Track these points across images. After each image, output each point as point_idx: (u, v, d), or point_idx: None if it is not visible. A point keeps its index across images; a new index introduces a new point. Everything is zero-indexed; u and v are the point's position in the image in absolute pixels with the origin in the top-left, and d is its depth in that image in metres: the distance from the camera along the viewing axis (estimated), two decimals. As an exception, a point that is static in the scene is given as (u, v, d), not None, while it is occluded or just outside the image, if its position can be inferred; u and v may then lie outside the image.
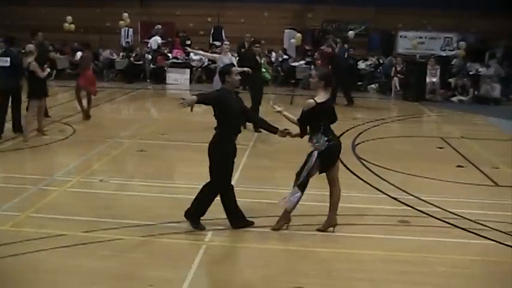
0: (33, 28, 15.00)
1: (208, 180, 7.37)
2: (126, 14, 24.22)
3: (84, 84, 14.99)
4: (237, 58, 17.89)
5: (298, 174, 7.38)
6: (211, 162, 7.31)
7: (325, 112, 7.35)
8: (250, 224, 7.54)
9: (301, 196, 7.34)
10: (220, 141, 7.28)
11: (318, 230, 7.47)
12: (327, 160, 7.29)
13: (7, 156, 11.21)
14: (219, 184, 7.33)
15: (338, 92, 18.79)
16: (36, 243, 6.73)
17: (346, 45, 21.59)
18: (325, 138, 7.24)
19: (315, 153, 7.23)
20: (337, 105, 18.66)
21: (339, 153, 7.48)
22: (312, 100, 7.25)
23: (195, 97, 7.19)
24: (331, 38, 20.13)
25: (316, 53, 23.83)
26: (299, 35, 24.14)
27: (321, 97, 7.31)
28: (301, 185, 7.29)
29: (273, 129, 7.78)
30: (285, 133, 7.64)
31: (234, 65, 8.20)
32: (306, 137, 7.49)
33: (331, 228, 7.46)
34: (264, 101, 14.61)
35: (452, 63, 23.32)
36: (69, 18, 22.97)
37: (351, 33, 24.05)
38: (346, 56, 21.07)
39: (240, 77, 7.76)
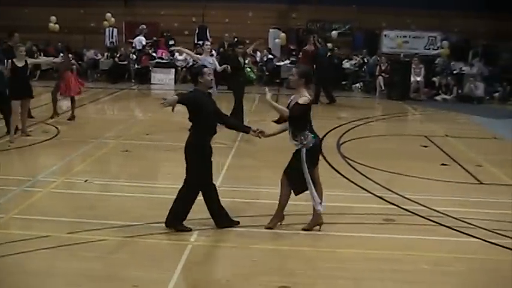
0: (11, 29, 14.88)
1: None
2: (109, 14, 24.08)
3: (64, 91, 14.92)
4: (218, 58, 17.91)
5: (288, 173, 7.40)
6: (188, 163, 7.32)
7: (310, 110, 7.37)
8: (235, 223, 7.53)
9: (316, 189, 7.36)
10: (195, 142, 7.28)
11: (304, 229, 7.47)
12: (313, 157, 7.32)
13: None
14: (196, 184, 7.31)
15: (321, 91, 18.99)
16: (20, 244, 6.68)
17: (328, 45, 21.68)
18: (312, 136, 7.26)
19: (304, 150, 7.22)
20: (322, 104, 18.81)
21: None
22: (307, 97, 7.26)
23: (176, 97, 7.19)
24: (314, 37, 20.18)
25: (300, 53, 23.91)
26: (283, 34, 24.18)
27: (308, 95, 7.32)
28: (311, 184, 7.30)
29: (245, 130, 7.84)
30: (258, 133, 7.66)
31: (205, 66, 8.17)
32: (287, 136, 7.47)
33: (317, 227, 7.47)
34: (247, 101, 14.63)
35: (436, 62, 23.46)
36: (53, 18, 22.84)
37: (334, 33, 24.12)
38: (328, 55, 21.15)
39: (212, 78, 7.75)
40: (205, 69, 7.59)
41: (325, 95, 19.18)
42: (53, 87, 15.51)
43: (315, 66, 18.58)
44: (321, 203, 7.34)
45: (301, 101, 7.25)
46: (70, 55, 15.90)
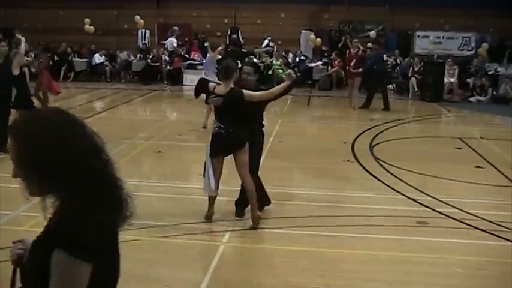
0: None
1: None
2: (137, 17, 24.12)
3: (46, 87, 15.04)
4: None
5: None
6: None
7: None
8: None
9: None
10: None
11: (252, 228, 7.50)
12: (213, 146, 7.48)
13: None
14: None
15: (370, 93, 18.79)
16: (55, 243, 6.76)
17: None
18: (218, 125, 7.43)
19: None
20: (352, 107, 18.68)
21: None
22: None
23: None
24: (357, 40, 20.01)
25: (333, 54, 23.78)
26: (312, 36, 23.99)
27: (221, 88, 7.45)
28: None
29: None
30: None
31: (245, 64, 8.41)
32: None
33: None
34: (278, 102, 14.58)
35: (472, 63, 23.04)
36: (87, 20, 23.08)
37: (372, 33, 23.92)
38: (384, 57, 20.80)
39: (251, 77, 7.92)
40: (245, 67, 7.84)
41: (367, 97, 18.90)
42: (91, 89, 15.71)
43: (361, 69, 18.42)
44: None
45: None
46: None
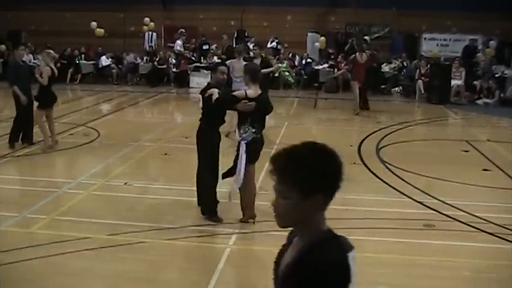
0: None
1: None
2: (147, 19, 24.15)
3: None
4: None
5: (233, 168, 7.53)
6: (198, 149, 7.74)
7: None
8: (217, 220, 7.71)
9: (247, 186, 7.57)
10: (204, 130, 7.72)
11: (241, 221, 7.63)
12: (252, 152, 7.39)
13: (33, 160, 11.31)
14: (207, 172, 7.63)
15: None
16: (61, 245, 6.78)
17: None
18: (253, 130, 7.32)
19: (243, 143, 7.34)
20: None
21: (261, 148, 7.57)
22: (243, 92, 7.45)
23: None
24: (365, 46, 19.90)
25: (339, 57, 23.74)
26: (322, 38, 24.02)
27: (251, 90, 7.39)
28: (240, 174, 7.41)
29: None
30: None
31: (221, 64, 8.69)
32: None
33: (251, 220, 7.63)
34: (286, 105, 14.60)
35: (481, 65, 22.95)
36: (93, 24, 23.09)
37: (365, 38, 23.81)
38: None
39: (225, 77, 8.09)
40: (221, 67, 7.98)
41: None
42: (97, 92, 15.70)
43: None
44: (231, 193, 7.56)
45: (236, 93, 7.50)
46: None
